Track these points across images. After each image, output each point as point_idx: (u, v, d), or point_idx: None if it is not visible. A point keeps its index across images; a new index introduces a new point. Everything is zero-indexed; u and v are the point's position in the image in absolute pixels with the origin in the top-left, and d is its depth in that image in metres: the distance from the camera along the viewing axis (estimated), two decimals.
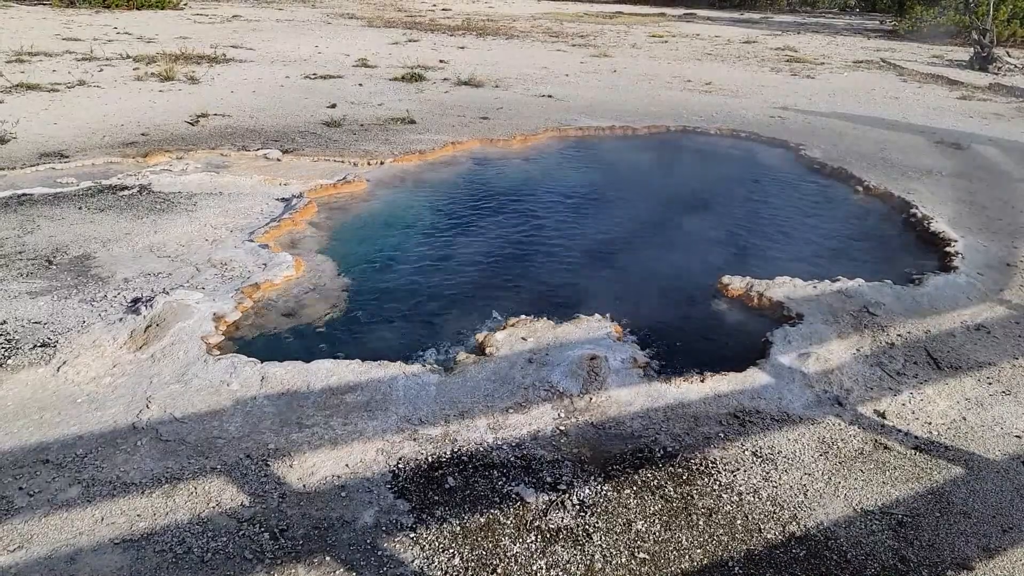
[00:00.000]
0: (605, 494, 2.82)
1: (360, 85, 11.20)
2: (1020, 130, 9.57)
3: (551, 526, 2.65)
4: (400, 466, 2.92)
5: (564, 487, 2.84)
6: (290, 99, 9.92)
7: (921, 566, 2.54)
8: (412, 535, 2.58)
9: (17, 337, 3.69)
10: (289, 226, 5.41)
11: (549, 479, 2.88)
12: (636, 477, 2.92)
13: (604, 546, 2.57)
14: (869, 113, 10.39)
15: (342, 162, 7.06)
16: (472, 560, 2.49)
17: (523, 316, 4.07)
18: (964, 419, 3.40)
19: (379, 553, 2.49)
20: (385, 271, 4.97)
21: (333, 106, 9.53)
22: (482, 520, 2.67)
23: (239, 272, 4.56)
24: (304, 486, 2.79)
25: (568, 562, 2.50)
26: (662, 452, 3.07)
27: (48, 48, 12.98)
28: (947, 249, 5.31)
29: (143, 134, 7.76)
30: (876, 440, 3.21)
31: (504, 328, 3.94)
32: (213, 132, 7.99)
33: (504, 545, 2.56)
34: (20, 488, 2.71)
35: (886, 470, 3.02)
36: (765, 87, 12.39)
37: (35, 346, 3.62)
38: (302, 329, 4.13)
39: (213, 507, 2.67)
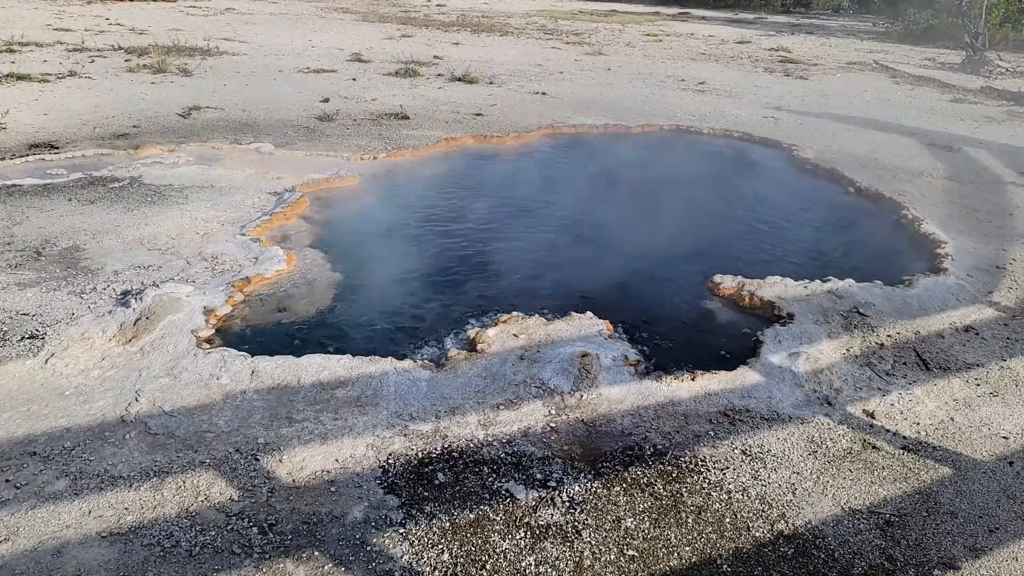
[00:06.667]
0: (595, 491, 2.82)
1: (354, 80, 11.15)
2: (1011, 133, 9.64)
3: (541, 523, 2.65)
4: (390, 462, 2.91)
5: (554, 484, 2.84)
6: (283, 93, 9.87)
7: (908, 565, 2.56)
8: (401, 531, 2.57)
9: (5, 328, 3.66)
10: (281, 220, 5.38)
11: (539, 476, 2.88)
12: (626, 475, 2.92)
13: (593, 543, 2.57)
14: (861, 114, 10.43)
15: (335, 157, 7.03)
16: (461, 556, 2.49)
17: (515, 313, 4.07)
18: (952, 420, 3.42)
19: (368, 548, 2.49)
20: (377, 266, 4.95)
21: (326, 100, 9.49)
22: (472, 516, 2.67)
23: (230, 266, 4.53)
24: (293, 481, 2.78)
25: (557, 559, 2.50)
26: (652, 450, 3.07)
27: (39, 38, 12.87)
28: (937, 251, 5.33)
29: (135, 126, 7.71)
30: (865, 440, 3.23)
31: (496, 325, 3.93)
32: (205, 125, 7.94)
33: (493, 541, 2.56)
34: (7, 480, 2.69)
35: (874, 470, 3.04)
36: (758, 87, 12.43)
37: (23, 338, 3.59)
38: (293, 323, 4.12)
39: (202, 501, 2.65)
